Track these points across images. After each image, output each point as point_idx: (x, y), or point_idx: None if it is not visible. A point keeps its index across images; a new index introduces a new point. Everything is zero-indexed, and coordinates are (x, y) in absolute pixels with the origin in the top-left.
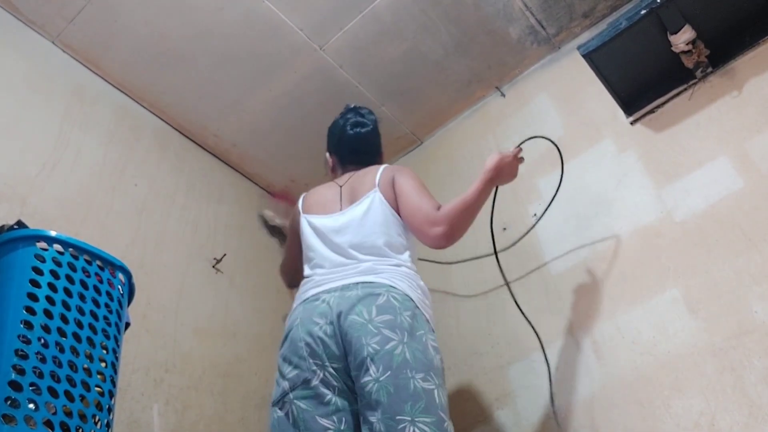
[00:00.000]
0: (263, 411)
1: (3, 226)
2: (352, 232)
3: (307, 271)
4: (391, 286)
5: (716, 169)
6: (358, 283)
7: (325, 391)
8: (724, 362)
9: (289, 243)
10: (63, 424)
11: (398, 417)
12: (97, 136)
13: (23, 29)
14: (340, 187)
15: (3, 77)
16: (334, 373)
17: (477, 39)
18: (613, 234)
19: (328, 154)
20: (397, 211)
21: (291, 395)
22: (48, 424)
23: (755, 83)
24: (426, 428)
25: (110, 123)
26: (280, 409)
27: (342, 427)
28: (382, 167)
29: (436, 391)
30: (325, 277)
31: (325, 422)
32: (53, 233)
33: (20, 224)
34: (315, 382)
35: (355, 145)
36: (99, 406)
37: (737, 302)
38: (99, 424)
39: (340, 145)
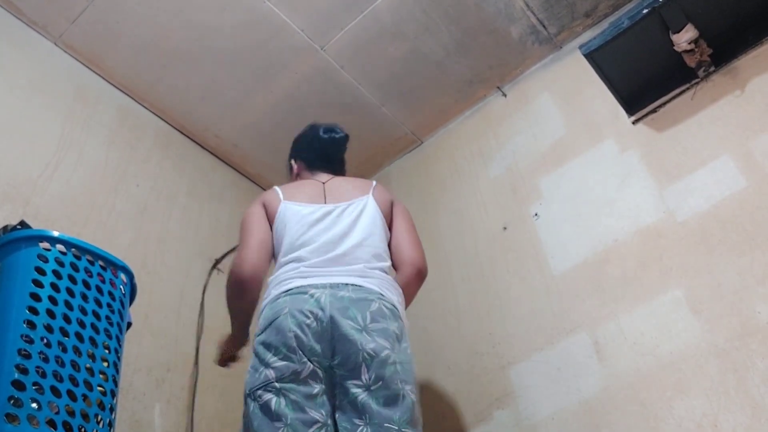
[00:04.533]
0: None
1: (6, 226)
2: (343, 226)
3: (284, 258)
4: (381, 294)
5: (719, 168)
6: (348, 285)
7: (314, 384)
8: (727, 363)
9: (257, 230)
10: (66, 424)
11: (386, 425)
12: (99, 137)
13: (26, 30)
14: (323, 183)
15: (5, 78)
16: (319, 366)
17: (478, 39)
18: (614, 234)
19: (292, 161)
20: (389, 226)
21: (278, 385)
22: (51, 423)
23: (758, 82)
24: None
25: (112, 124)
26: (259, 398)
27: (328, 422)
28: (373, 181)
29: (417, 404)
30: (312, 269)
31: (314, 414)
32: (56, 233)
33: (23, 224)
34: (304, 374)
35: (327, 150)
36: (101, 406)
37: (740, 303)
38: (101, 423)
39: (310, 148)
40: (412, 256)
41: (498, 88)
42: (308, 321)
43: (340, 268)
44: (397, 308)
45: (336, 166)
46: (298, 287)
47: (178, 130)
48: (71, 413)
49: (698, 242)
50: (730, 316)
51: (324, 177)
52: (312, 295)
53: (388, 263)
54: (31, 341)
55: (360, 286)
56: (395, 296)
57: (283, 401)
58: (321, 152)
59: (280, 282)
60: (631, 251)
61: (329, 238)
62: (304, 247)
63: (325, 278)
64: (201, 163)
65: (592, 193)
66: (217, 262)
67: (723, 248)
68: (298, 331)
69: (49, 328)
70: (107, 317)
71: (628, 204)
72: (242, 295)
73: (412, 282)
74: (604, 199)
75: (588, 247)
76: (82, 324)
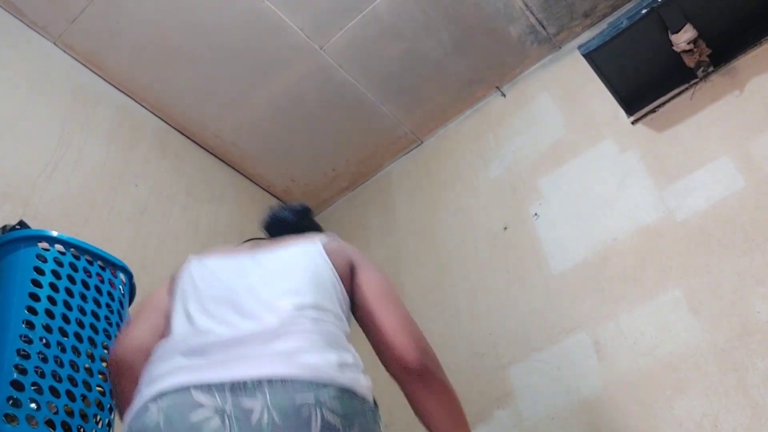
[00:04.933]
0: None
1: (5, 226)
2: (263, 274)
3: (171, 328)
4: (317, 384)
5: (718, 168)
6: (261, 382)
7: None
8: (727, 363)
9: (145, 310)
10: (64, 424)
11: None
12: (98, 137)
13: (25, 30)
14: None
15: (5, 78)
16: None
17: (477, 39)
18: (614, 234)
19: None
20: (348, 290)
21: None
22: (50, 423)
23: (757, 82)
24: None
25: (111, 123)
26: None
27: None
28: (322, 234)
29: None
30: (202, 345)
31: None
32: (55, 233)
33: (22, 224)
34: None
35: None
36: (100, 406)
37: (740, 303)
38: (100, 423)
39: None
40: (391, 343)
41: (497, 88)
42: None
43: (249, 340)
44: (355, 391)
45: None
46: (175, 390)
47: (178, 130)
48: (70, 413)
49: (698, 242)
50: (729, 315)
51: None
52: (206, 419)
53: (338, 317)
54: (29, 341)
55: (283, 379)
56: (344, 365)
57: None
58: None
59: (151, 375)
60: (630, 251)
61: (238, 290)
62: (194, 307)
63: (224, 370)
64: (200, 163)
65: (591, 193)
66: None
67: (722, 248)
68: None
69: (47, 329)
70: (106, 317)
71: (627, 204)
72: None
73: (411, 386)
74: (603, 199)
75: (588, 246)
76: (80, 324)
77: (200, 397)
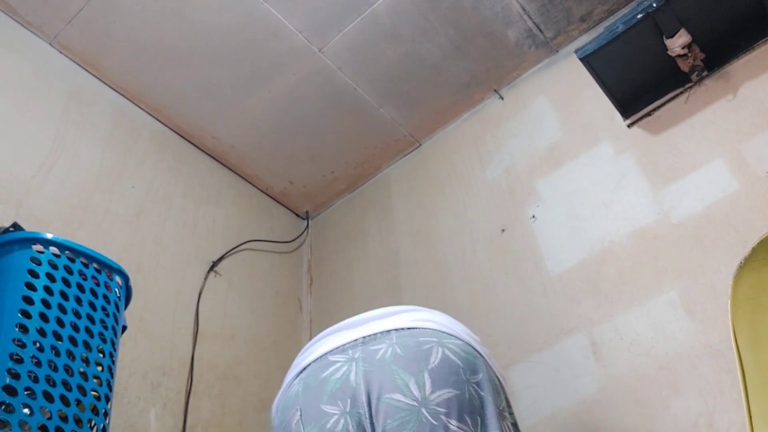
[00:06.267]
0: (262, 414)
1: None
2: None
3: None
4: (442, 332)
5: (712, 171)
6: (389, 331)
7: None
8: (721, 363)
9: None
10: (58, 429)
11: None
12: (94, 138)
13: (20, 30)
14: None
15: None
16: None
17: (475, 42)
18: (610, 236)
19: None
20: None
21: None
22: (43, 428)
23: (750, 86)
24: None
25: (108, 125)
26: None
27: None
28: None
29: None
30: (334, 329)
31: None
32: (49, 236)
33: (16, 226)
34: None
35: None
36: (95, 411)
37: None
38: (95, 428)
39: None
40: None
41: (495, 91)
42: (332, 422)
43: (376, 313)
44: (477, 350)
45: None
46: (312, 360)
47: (175, 132)
48: (64, 418)
49: (692, 243)
50: (723, 316)
51: None
52: (336, 367)
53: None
54: (23, 345)
55: (408, 327)
56: (469, 337)
57: None
58: None
59: (295, 364)
60: (626, 252)
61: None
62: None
63: (353, 331)
64: (198, 165)
65: (588, 195)
66: (214, 264)
67: (716, 249)
68: None
69: (42, 332)
70: (102, 320)
71: (623, 206)
72: None
73: None
74: (600, 201)
75: (584, 248)
76: (75, 327)
77: (334, 357)
